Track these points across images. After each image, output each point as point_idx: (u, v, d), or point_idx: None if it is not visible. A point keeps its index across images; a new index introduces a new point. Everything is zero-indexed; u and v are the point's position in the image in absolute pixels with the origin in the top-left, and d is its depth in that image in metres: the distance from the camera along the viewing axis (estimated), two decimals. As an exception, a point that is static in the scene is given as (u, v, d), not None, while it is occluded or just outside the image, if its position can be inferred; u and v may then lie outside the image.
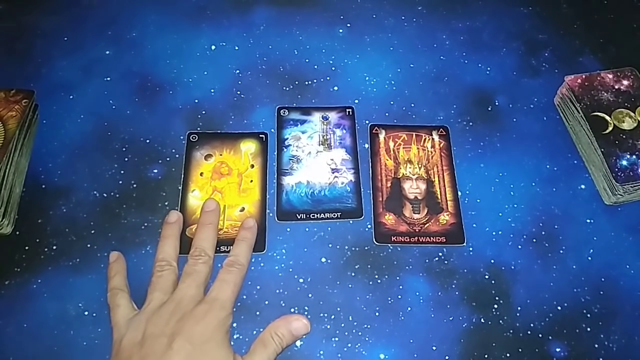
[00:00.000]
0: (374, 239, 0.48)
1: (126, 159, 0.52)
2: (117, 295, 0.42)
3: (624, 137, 0.51)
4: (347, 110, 0.55)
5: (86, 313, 0.44)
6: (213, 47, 0.59)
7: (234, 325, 0.43)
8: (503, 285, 0.47)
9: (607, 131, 0.51)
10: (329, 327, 0.45)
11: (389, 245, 0.48)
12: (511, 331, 0.45)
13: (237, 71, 0.57)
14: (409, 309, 0.46)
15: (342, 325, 0.45)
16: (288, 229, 0.49)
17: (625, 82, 0.55)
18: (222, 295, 0.41)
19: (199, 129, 0.53)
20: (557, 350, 0.45)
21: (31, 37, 0.59)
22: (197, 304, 0.40)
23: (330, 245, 0.48)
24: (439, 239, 0.48)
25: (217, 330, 0.39)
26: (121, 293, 0.43)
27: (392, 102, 0.56)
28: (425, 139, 0.54)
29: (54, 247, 0.47)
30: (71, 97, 0.55)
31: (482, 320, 0.45)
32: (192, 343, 0.37)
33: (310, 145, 0.53)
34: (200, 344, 0.37)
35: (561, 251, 0.49)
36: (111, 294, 0.43)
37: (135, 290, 0.45)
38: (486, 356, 0.44)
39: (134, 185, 0.50)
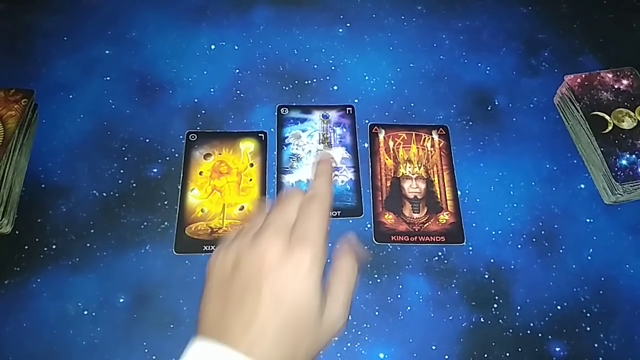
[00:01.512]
0: (373, 239, 0.48)
1: (126, 159, 0.52)
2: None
3: (624, 136, 0.51)
4: (347, 108, 0.55)
5: (85, 312, 0.44)
6: (213, 47, 0.59)
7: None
8: (503, 284, 0.47)
9: (607, 131, 0.51)
10: (328, 326, 0.44)
11: (389, 244, 0.48)
12: (511, 330, 0.45)
13: (237, 71, 0.57)
14: (409, 308, 0.46)
15: (342, 324, 0.45)
16: (288, 229, 0.49)
17: (624, 82, 0.55)
18: (309, 232, 0.37)
19: (198, 128, 0.53)
20: (557, 349, 0.45)
21: (31, 37, 0.59)
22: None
23: (330, 245, 0.48)
24: (438, 239, 0.48)
25: (311, 269, 0.35)
26: None
27: (391, 102, 0.56)
28: (424, 138, 0.54)
29: (54, 247, 0.47)
30: (71, 96, 0.55)
31: (482, 320, 0.45)
32: (285, 282, 0.35)
33: (311, 143, 0.53)
34: (294, 285, 0.35)
35: (561, 251, 0.49)
36: None
37: (136, 289, 0.45)
38: (486, 355, 0.44)
39: (134, 185, 0.50)
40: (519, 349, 0.44)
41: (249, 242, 0.37)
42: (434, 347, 0.44)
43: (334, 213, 0.49)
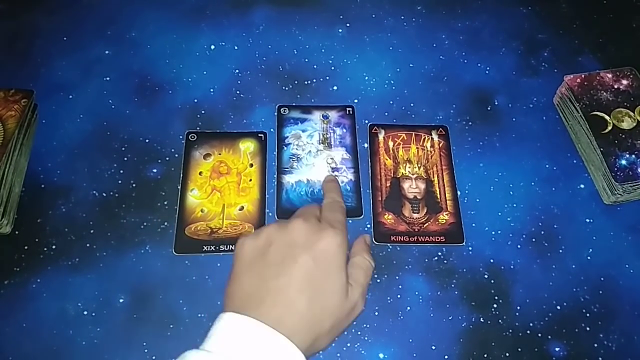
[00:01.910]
0: (373, 239, 0.48)
1: (125, 159, 0.52)
2: None
3: (623, 136, 0.51)
4: (348, 109, 0.55)
5: (85, 313, 0.44)
6: (212, 47, 0.59)
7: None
8: (502, 284, 0.47)
9: (607, 131, 0.51)
10: (328, 326, 0.44)
11: (389, 244, 0.48)
12: (510, 331, 0.45)
13: (237, 71, 0.57)
14: (409, 308, 0.46)
15: (342, 324, 0.45)
16: (287, 229, 0.49)
17: (624, 82, 0.55)
18: (336, 222, 0.41)
19: (198, 128, 0.53)
20: (557, 349, 0.45)
21: (31, 37, 0.59)
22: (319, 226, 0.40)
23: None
24: (438, 239, 0.48)
25: (338, 251, 0.38)
26: None
27: (391, 102, 0.56)
28: (424, 138, 0.54)
29: (53, 247, 0.47)
30: (70, 96, 0.55)
31: (482, 320, 0.45)
32: (315, 260, 0.37)
33: (311, 144, 0.53)
34: (324, 264, 0.37)
35: (560, 251, 0.49)
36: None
37: (135, 289, 0.45)
38: (485, 356, 0.44)
39: (133, 185, 0.50)
40: (519, 349, 0.44)
41: (279, 227, 0.39)
42: (433, 347, 0.44)
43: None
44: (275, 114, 0.54)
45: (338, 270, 0.38)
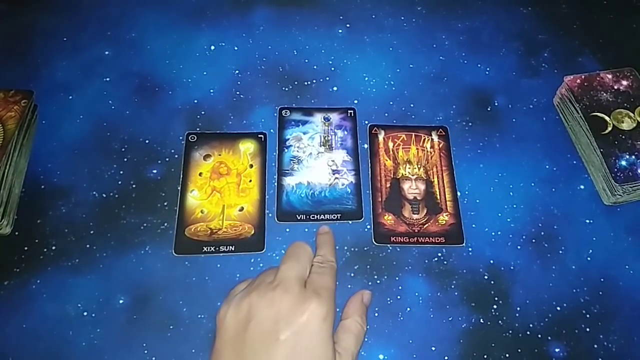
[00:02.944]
0: (373, 240, 0.48)
1: (125, 159, 0.52)
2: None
3: (623, 137, 0.51)
4: (349, 111, 0.55)
5: (85, 313, 0.44)
6: (212, 48, 0.59)
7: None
8: (502, 285, 0.47)
9: (607, 131, 0.51)
10: (328, 327, 0.44)
11: (388, 245, 0.48)
12: (510, 331, 0.45)
13: (237, 71, 0.57)
14: (408, 309, 0.46)
15: (342, 325, 0.45)
16: (287, 230, 0.49)
17: (624, 83, 0.55)
18: (323, 289, 0.38)
19: (198, 129, 0.53)
20: (557, 350, 0.45)
21: (31, 38, 0.59)
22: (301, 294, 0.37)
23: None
24: (438, 240, 0.48)
25: (323, 324, 0.36)
26: None
27: (391, 103, 0.56)
28: (424, 139, 0.54)
29: (53, 248, 0.47)
30: (70, 97, 0.55)
31: (482, 321, 0.45)
32: (298, 335, 0.35)
33: (311, 146, 0.53)
34: (307, 339, 0.35)
35: (560, 251, 0.49)
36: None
37: (135, 290, 0.45)
38: (485, 356, 0.44)
39: (133, 186, 0.50)
40: (519, 350, 0.44)
41: (261, 296, 0.36)
42: (433, 348, 0.44)
43: (334, 216, 0.49)
44: (276, 114, 0.54)
45: (323, 344, 0.35)
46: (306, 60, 0.58)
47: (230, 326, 0.36)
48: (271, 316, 0.36)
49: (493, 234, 0.49)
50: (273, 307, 0.36)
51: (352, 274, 0.47)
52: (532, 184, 0.52)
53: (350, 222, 0.49)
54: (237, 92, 0.56)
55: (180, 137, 0.53)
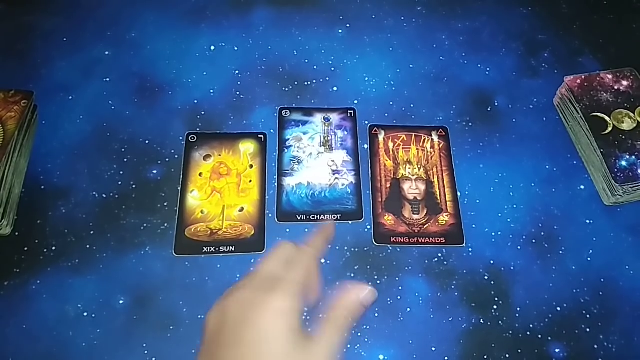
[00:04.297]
0: (373, 240, 0.48)
1: (125, 160, 0.52)
2: None
3: (624, 137, 0.51)
4: (349, 111, 0.55)
5: (85, 314, 0.44)
6: (212, 48, 0.59)
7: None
8: (502, 286, 0.47)
9: (607, 132, 0.51)
10: (328, 328, 0.44)
11: (389, 246, 0.48)
12: (510, 332, 0.45)
13: (237, 72, 0.57)
14: (409, 309, 0.46)
15: (342, 326, 0.45)
16: (287, 230, 0.49)
17: (624, 83, 0.55)
18: (289, 283, 0.37)
19: (198, 129, 0.53)
20: (557, 350, 0.45)
21: (31, 38, 0.58)
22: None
23: (329, 246, 0.48)
24: (438, 240, 0.48)
25: (281, 320, 0.35)
26: None
27: (391, 103, 0.56)
28: (424, 139, 0.54)
29: (53, 248, 0.47)
30: (70, 97, 0.55)
31: (482, 321, 0.45)
32: (260, 334, 0.35)
33: (312, 146, 0.53)
34: (270, 337, 0.34)
35: (560, 252, 0.49)
36: None
37: (135, 290, 0.45)
38: (485, 357, 0.44)
39: (133, 186, 0.50)
40: (519, 350, 0.44)
41: (231, 296, 0.37)
42: (433, 349, 0.44)
43: (335, 217, 0.49)
44: (276, 115, 0.54)
45: (284, 340, 0.35)
46: (306, 61, 0.58)
47: (211, 328, 0.36)
48: (238, 317, 0.36)
49: (493, 234, 0.49)
50: (239, 307, 0.36)
51: (352, 275, 0.47)
52: (532, 184, 0.52)
53: (350, 222, 0.49)
54: (237, 93, 0.56)
55: (180, 138, 0.53)
